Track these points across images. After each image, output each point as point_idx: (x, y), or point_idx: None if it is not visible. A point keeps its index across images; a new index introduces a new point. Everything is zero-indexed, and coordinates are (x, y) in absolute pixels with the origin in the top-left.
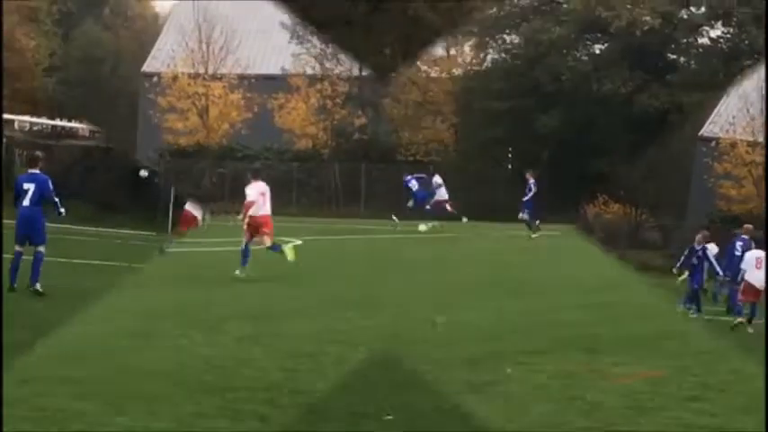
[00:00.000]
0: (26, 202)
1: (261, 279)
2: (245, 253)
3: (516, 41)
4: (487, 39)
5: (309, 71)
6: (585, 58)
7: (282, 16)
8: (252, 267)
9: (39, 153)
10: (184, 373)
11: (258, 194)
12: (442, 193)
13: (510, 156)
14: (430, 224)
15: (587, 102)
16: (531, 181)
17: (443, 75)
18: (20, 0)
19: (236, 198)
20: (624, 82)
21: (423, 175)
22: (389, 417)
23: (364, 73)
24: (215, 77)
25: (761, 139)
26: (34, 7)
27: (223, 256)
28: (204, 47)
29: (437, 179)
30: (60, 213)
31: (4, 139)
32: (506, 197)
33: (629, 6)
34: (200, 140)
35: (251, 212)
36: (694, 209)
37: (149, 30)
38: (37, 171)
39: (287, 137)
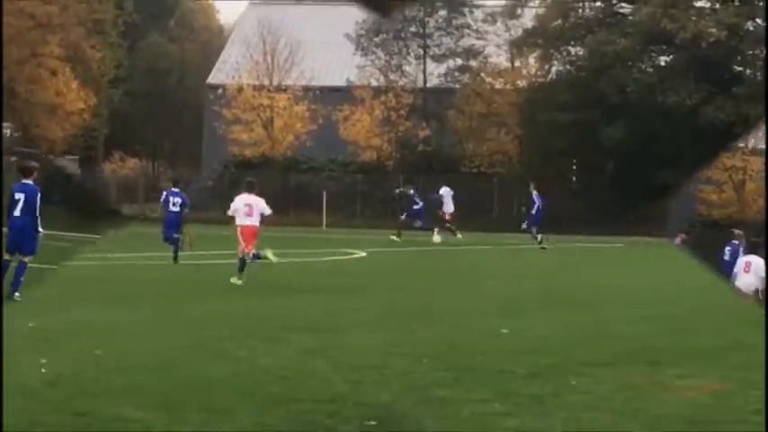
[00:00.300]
0: (17, 213)
1: (323, 290)
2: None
3: (581, 53)
4: (552, 50)
5: (374, 83)
6: (650, 69)
7: (347, 28)
8: (317, 280)
9: (33, 163)
10: (248, 385)
11: (242, 206)
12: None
13: (574, 168)
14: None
15: (652, 114)
16: (535, 194)
17: (508, 86)
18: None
19: (300, 209)
20: (689, 94)
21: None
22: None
23: (429, 85)
24: (280, 89)
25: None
26: (100, 19)
27: (282, 267)
28: (269, 58)
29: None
30: (37, 232)
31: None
32: (571, 209)
33: (694, 18)
34: (265, 152)
35: (238, 223)
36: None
37: (214, 41)
38: (30, 182)
39: (351, 148)
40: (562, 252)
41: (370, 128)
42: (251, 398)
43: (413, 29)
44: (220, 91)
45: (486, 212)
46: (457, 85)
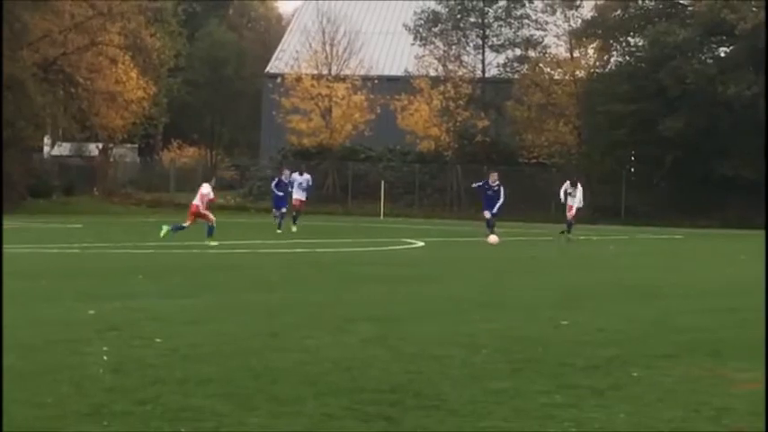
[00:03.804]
0: None
1: (383, 280)
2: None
3: (641, 44)
4: (612, 41)
5: (432, 73)
6: (710, 61)
7: (406, 18)
8: (376, 269)
9: None
10: (312, 374)
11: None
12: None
13: (633, 159)
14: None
15: (712, 105)
16: (496, 183)
17: (567, 77)
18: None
19: (358, 198)
20: (749, 85)
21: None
22: None
23: (487, 75)
24: (338, 79)
25: None
26: (160, 8)
27: (343, 256)
28: (328, 48)
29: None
30: None
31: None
32: (630, 200)
33: (754, 9)
34: (324, 141)
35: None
36: None
37: (273, 31)
38: None
39: (409, 138)
40: (621, 243)
41: (429, 118)
42: (315, 387)
43: (472, 19)
44: (279, 80)
45: (544, 203)
46: (516, 76)
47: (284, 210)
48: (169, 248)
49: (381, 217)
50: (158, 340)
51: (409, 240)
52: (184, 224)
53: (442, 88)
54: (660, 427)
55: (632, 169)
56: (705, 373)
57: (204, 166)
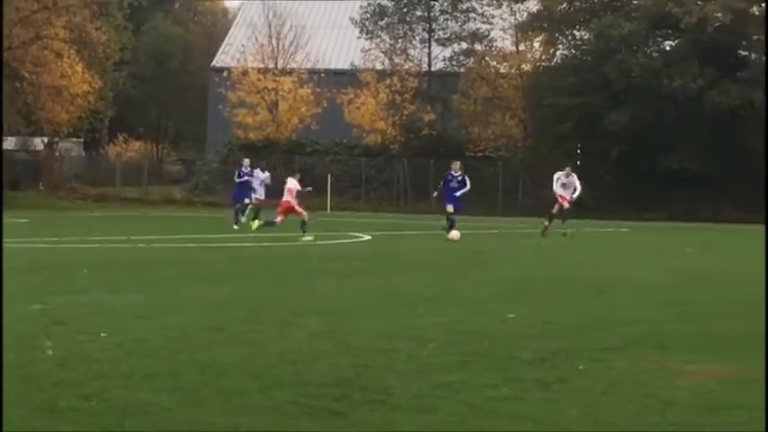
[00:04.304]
0: None
1: (329, 274)
2: None
3: (586, 37)
4: (557, 34)
5: (379, 66)
6: (656, 54)
7: (352, 11)
8: (323, 263)
9: None
10: (258, 368)
11: None
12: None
13: (579, 152)
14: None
15: (657, 98)
16: (459, 173)
17: (513, 70)
18: None
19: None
20: (694, 79)
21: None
22: None
23: (434, 68)
24: (284, 72)
25: None
26: (105, 1)
27: (290, 250)
28: (274, 42)
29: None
30: None
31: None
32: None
33: (699, 3)
34: (270, 135)
35: None
36: None
37: (219, 24)
38: None
39: (356, 132)
40: (568, 236)
41: (375, 111)
42: (261, 381)
43: (418, 12)
44: (225, 74)
45: (491, 197)
46: (462, 69)
47: (245, 202)
48: (115, 243)
49: (328, 211)
50: (104, 335)
51: (356, 234)
52: (276, 219)
53: (388, 82)
54: (606, 420)
55: (578, 162)
56: (651, 366)
57: (150, 160)
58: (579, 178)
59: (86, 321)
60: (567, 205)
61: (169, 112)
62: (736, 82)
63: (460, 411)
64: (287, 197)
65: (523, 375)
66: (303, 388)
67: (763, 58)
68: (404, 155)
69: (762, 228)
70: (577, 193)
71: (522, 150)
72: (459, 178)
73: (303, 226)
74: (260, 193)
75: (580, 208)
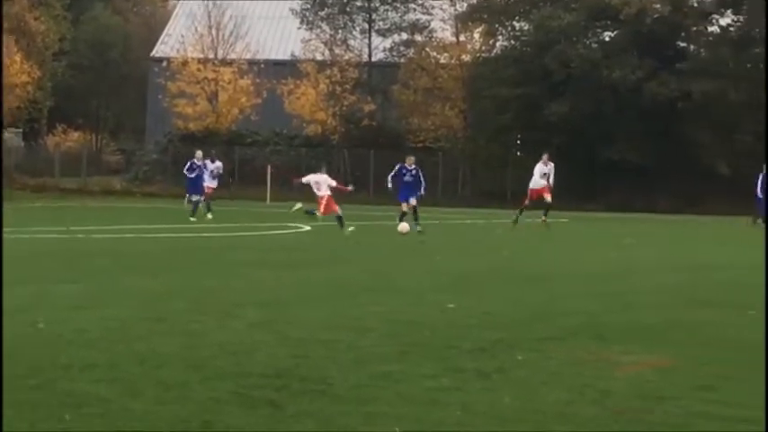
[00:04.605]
0: None
1: (270, 264)
2: None
3: (526, 28)
4: (497, 25)
5: (319, 57)
6: (595, 45)
7: (292, 2)
8: (263, 254)
9: None
10: (198, 359)
11: None
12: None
13: (519, 143)
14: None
15: (597, 89)
16: (413, 167)
17: (453, 61)
18: None
19: (245, 183)
20: (633, 70)
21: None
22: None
23: (374, 59)
24: (224, 63)
25: None
26: None
27: (230, 241)
28: (214, 32)
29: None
30: None
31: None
32: (516, 184)
33: None
34: (210, 126)
35: None
36: None
37: (159, 15)
38: None
39: (296, 122)
40: (508, 227)
41: (315, 102)
42: (201, 372)
43: (358, 3)
44: (165, 64)
45: (431, 187)
46: (402, 60)
47: (196, 197)
48: (54, 234)
49: (268, 201)
50: (42, 326)
51: (296, 225)
52: (316, 212)
53: (328, 72)
54: (545, 410)
55: (518, 153)
56: (589, 356)
57: (89, 150)
58: (520, 169)
59: (25, 312)
60: (549, 197)
61: (108, 102)
62: (674, 73)
63: (400, 402)
64: (324, 192)
65: (463, 365)
66: (243, 379)
67: (702, 50)
68: (344, 145)
69: (697, 218)
70: (552, 178)
71: (461, 141)
72: (413, 172)
73: (340, 221)
74: (211, 183)
75: (520, 199)
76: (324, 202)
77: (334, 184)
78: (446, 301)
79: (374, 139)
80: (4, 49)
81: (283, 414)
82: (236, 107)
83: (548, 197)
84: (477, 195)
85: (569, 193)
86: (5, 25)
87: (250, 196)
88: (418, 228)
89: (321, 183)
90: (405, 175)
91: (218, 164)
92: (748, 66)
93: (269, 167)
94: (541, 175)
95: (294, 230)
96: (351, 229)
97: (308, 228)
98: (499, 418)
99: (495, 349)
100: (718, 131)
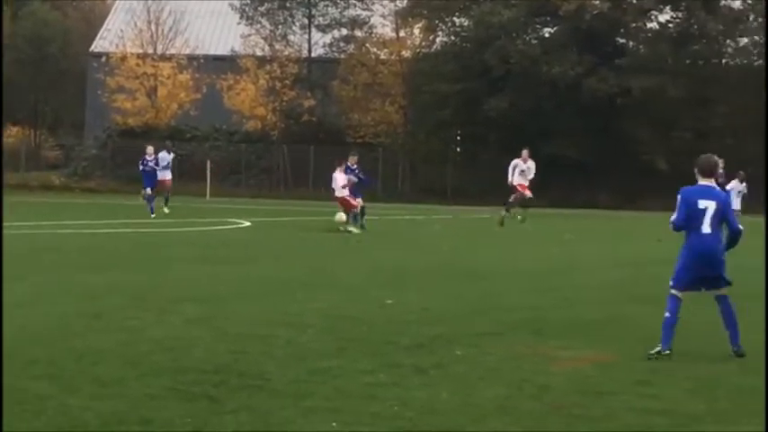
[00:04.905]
0: None
1: (208, 260)
2: None
3: (466, 24)
4: (437, 21)
5: (259, 52)
6: (535, 41)
7: None
8: (202, 250)
9: None
10: (136, 355)
11: None
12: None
13: (459, 138)
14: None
15: (536, 85)
16: (355, 166)
17: (393, 57)
18: None
19: (184, 178)
20: (573, 66)
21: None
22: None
23: (314, 54)
24: (164, 58)
25: None
26: None
27: (169, 237)
28: (153, 27)
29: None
30: None
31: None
32: (456, 179)
33: None
34: (149, 121)
35: None
36: None
37: (98, 10)
38: None
39: (236, 118)
40: (447, 223)
41: (255, 97)
42: (138, 368)
43: None
44: (104, 59)
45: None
46: (342, 56)
47: (149, 190)
48: None
49: (207, 197)
50: None
51: (235, 220)
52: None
53: (268, 68)
54: (483, 405)
55: (458, 149)
56: (528, 351)
57: (28, 145)
58: (459, 165)
59: None
60: (528, 194)
61: (47, 97)
62: (614, 69)
63: (337, 396)
64: (342, 193)
65: (400, 361)
66: (181, 374)
67: (641, 46)
68: (284, 141)
69: (637, 214)
70: (532, 174)
71: (401, 137)
72: (356, 171)
73: (357, 218)
74: (167, 176)
75: (460, 195)
76: (347, 201)
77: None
78: (385, 296)
79: (314, 134)
80: None
81: (221, 409)
82: (175, 102)
83: (527, 193)
84: (417, 191)
85: (508, 188)
86: None
87: (190, 192)
88: (360, 224)
89: (340, 180)
90: (350, 174)
91: (173, 155)
92: (687, 62)
93: (208, 163)
94: (518, 172)
95: (233, 226)
96: (354, 230)
97: (247, 224)
98: (436, 413)
99: (434, 345)
100: (657, 128)
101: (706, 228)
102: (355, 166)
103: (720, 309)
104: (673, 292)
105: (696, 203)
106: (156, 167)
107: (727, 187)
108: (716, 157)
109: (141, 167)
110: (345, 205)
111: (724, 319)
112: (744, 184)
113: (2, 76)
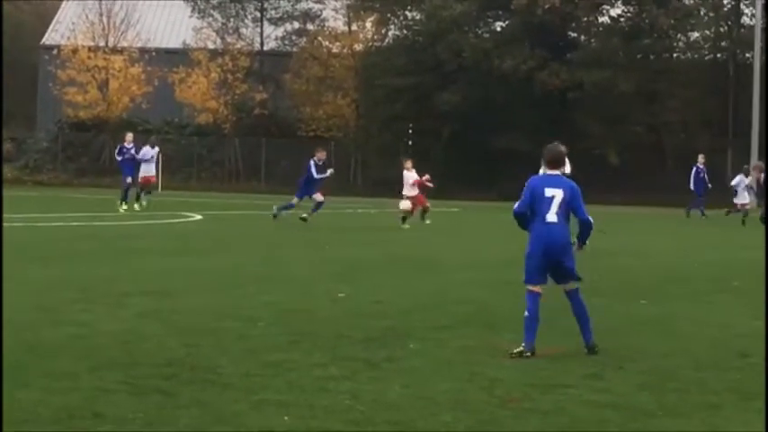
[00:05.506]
0: None
1: (160, 253)
2: None
3: (418, 17)
4: (389, 15)
5: (211, 45)
6: (487, 35)
7: None
8: (153, 243)
9: None
10: (87, 349)
11: None
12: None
13: (411, 132)
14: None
15: (488, 78)
16: (321, 162)
17: (345, 50)
18: None
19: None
20: (525, 60)
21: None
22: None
23: (266, 48)
24: (115, 51)
25: None
26: None
27: (120, 230)
28: (104, 20)
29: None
30: None
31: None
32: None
33: None
34: (101, 114)
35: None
36: None
37: (49, 2)
38: None
39: (187, 111)
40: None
41: (207, 90)
42: (90, 361)
43: None
44: (55, 52)
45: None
46: (294, 49)
47: (129, 179)
48: None
49: (159, 190)
50: None
51: (187, 214)
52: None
53: (220, 61)
54: (435, 398)
55: (410, 143)
56: (480, 345)
57: None
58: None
59: None
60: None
61: None
62: (565, 63)
63: (290, 390)
64: (412, 191)
65: (353, 355)
66: (133, 368)
67: (593, 40)
68: (235, 134)
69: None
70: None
71: (353, 130)
72: (323, 166)
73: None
74: (150, 172)
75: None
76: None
77: (417, 177)
78: (337, 290)
79: (266, 128)
80: None
81: (173, 403)
82: (126, 95)
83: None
84: (369, 184)
85: (460, 181)
86: None
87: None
88: (305, 215)
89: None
90: (316, 169)
91: (157, 149)
92: (638, 56)
93: (160, 156)
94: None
95: (185, 219)
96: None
97: (198, 217)
98: (388, 406)
99: (386, 338)
100: (609, 122)
101: (551, 216)
102: (321, 162)
103: (571, 304)
104: (528, 288)
105: (543, 191)
106: (135, 155)
107: (732, 182)
108: (562, 147)
109: (120, 157)
110: (418, 202)
111: (575, 314)
112: (749, 178)
113: (2, 75)
